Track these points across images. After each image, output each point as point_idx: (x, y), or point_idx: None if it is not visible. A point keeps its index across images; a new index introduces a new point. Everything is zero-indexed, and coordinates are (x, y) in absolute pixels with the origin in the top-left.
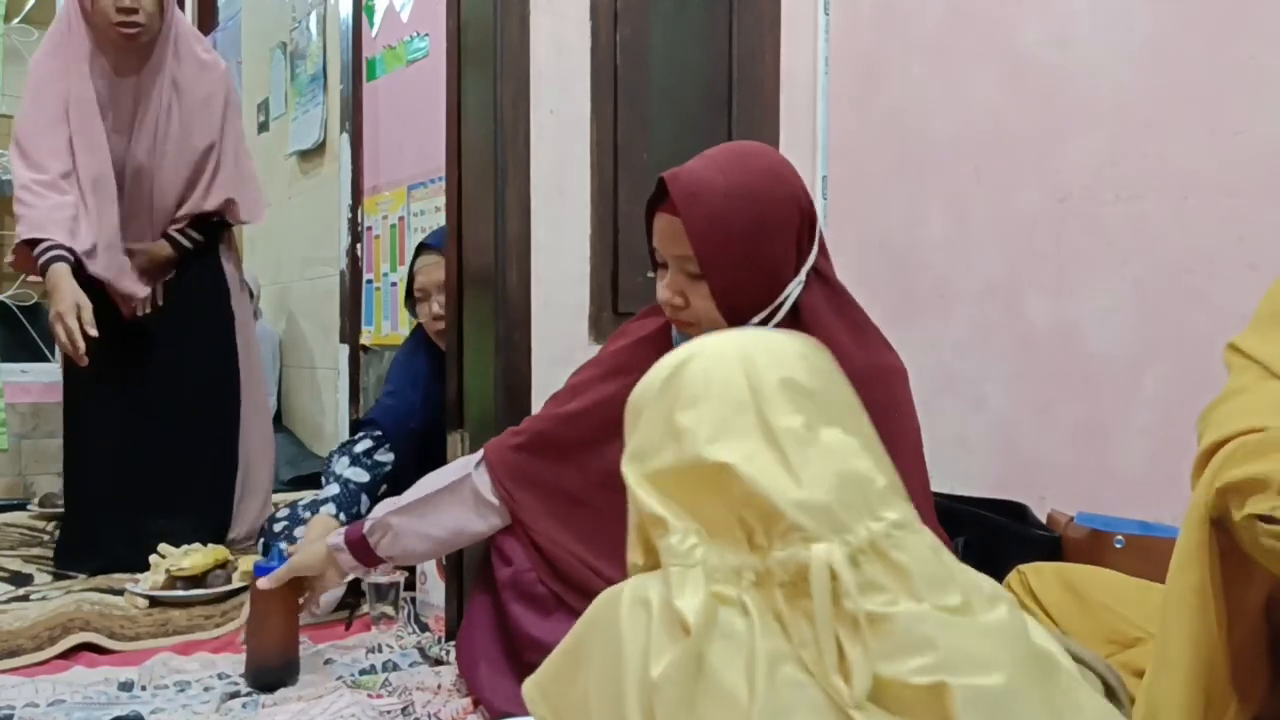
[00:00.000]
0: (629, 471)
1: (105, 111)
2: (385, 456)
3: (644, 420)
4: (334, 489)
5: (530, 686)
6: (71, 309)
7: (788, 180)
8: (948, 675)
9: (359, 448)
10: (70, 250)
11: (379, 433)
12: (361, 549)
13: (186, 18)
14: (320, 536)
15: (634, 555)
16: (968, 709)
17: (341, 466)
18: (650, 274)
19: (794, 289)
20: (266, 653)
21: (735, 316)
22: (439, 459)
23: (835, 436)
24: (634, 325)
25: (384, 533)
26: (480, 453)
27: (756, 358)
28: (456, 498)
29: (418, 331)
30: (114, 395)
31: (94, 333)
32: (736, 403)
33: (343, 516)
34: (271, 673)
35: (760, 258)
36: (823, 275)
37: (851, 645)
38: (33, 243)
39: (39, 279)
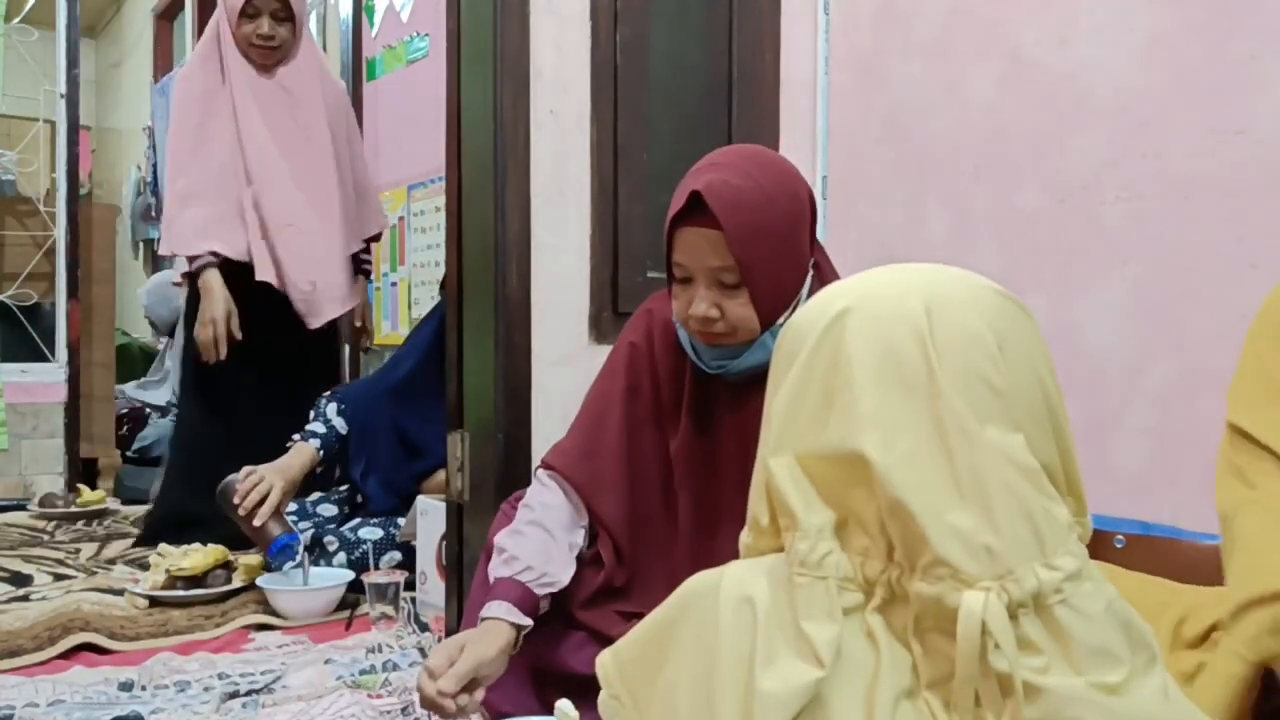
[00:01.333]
0: (768, 438)
1: None
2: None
3: (794, 376)
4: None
5: (608, 661)
6: (224, 316)
7: (798, 176)
8: None
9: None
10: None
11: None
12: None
13: (190, 21)
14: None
15: (752, 528)
16: None
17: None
18: (650, 274)
19: (806, 286)
20: None
21: (768, 320)
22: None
23: (1017, 450)
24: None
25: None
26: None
27: (938, 329)
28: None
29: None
30: (238, 384)
31: (239, 337)
32: (904, 383)
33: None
34: None
35: (793, 256)
36: (820, 268)
37: (992, 707)
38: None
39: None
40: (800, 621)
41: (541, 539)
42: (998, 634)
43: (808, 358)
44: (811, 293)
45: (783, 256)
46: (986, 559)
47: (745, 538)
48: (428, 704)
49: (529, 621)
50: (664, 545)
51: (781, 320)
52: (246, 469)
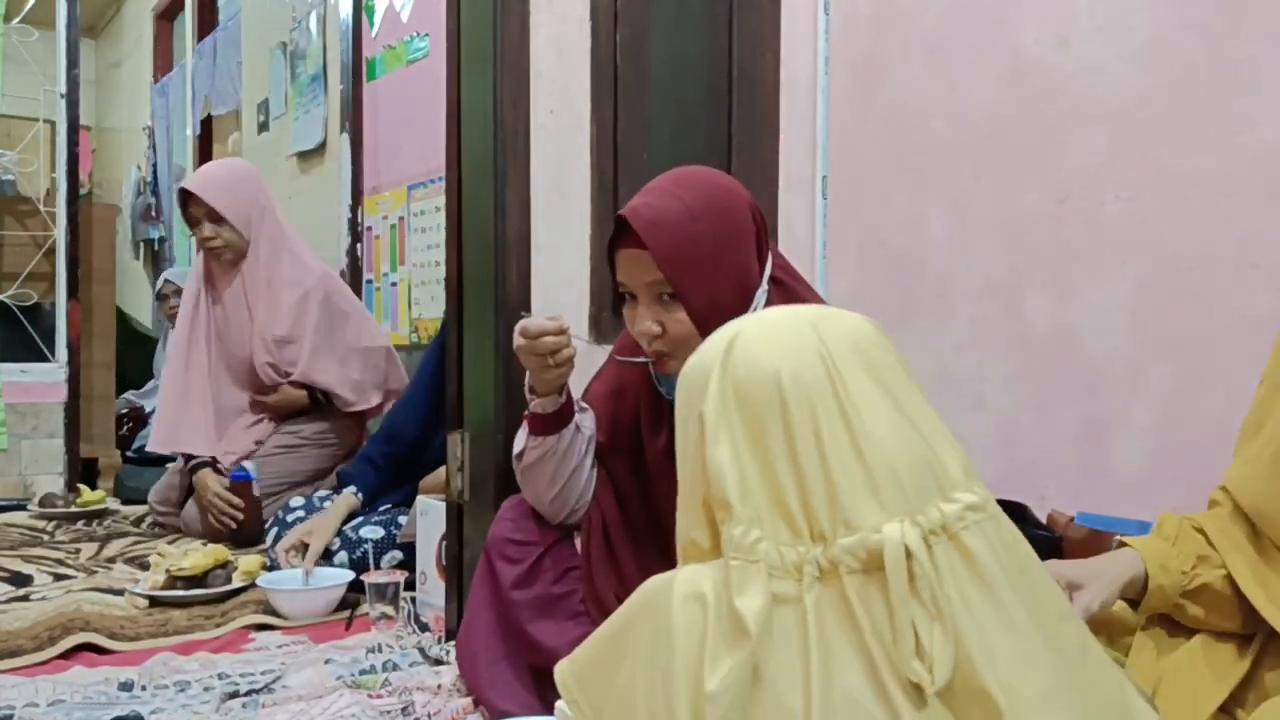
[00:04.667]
0: (700, 442)
1: None
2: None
3: (714, 382)
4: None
5: (565, 670)
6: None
7: (738, 191)
8: (993, 684)
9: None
10: None
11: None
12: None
13: (190, 21)
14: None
15: (696, 532)
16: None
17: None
18: None
19: (760, 298)
20: None
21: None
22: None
23: (904, 406)
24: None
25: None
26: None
27: (822, 323)
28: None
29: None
30: None
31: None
32: (809, 369)
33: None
34: None
35: (729, 270)
36: (780, 282)
37: (929, 628)
38: None
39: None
40: (734, 600)
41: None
42: (918, 554)
43: (718, 372)
44: (770, 304)
45: (717, 271)
46: (894, 501)
47: (694, 533)
48: (538, 332)
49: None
50: (647, 540)
51: None
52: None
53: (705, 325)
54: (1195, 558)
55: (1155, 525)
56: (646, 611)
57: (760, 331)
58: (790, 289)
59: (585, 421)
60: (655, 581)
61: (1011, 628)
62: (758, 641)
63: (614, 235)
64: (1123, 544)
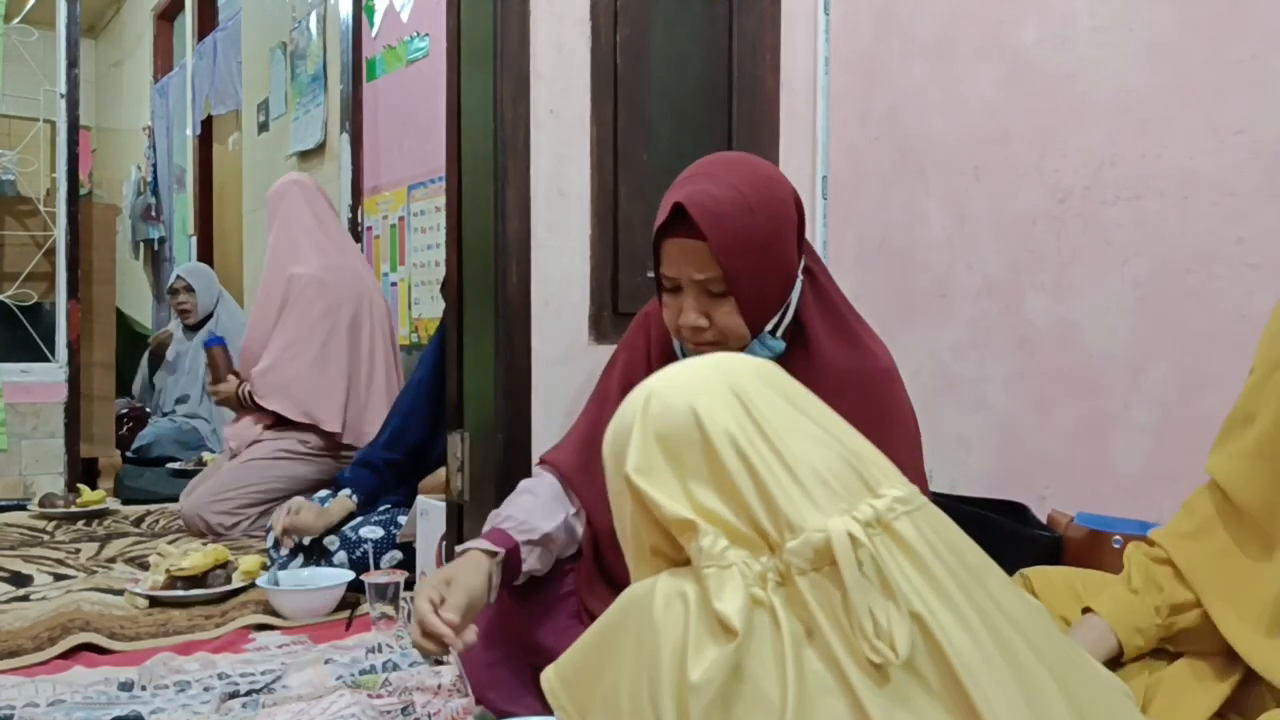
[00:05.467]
0: (640, 483)
1: None
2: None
3: (635, 439)
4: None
5: (551, 676)
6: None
7: (784, 182)
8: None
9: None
10: None
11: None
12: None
13: (190, 21)
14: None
15: (640, 565)
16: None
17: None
18: (651, 274)
19: (796, 290)
20: None
21: (757, 327)
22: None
23: (820, 422)
24: (630, 341)
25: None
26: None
27: (725, 363)
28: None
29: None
30: None
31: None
32: (720, 400)
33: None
34: None
35: (777, 262)
36: (811, 273)
37: (885, 608)
38: None
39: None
40: (714, 604)
41: (526, 499)
42: (864, 540)
43: (639, 424)
44: (803, 299)
45: (767, 264)
46: (828, 502)
47: (639, 574)
48: (429, 634)
49: (499, 548)
50: None
51: (770, 326)
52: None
53: (754, 319)
54: (1169, 607)
55: (1125, 564)
56: (630, 614)
57: (671, 382)
58: (819, 281)
59: (533, 559)
60: (638, 587)
61: (950, 603)
62: (744, 637)
63: (666, 222)
64: (1087, 609)
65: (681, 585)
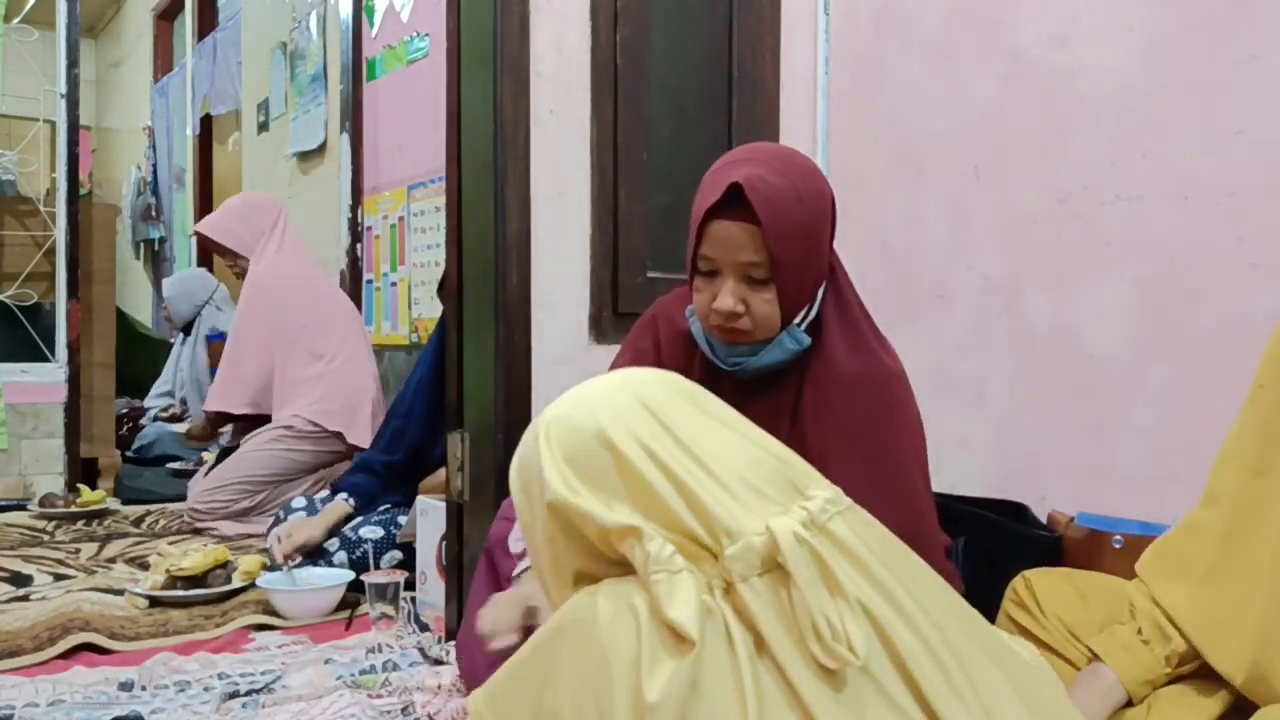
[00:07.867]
0: (572, 500)
1: None
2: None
3: (547, 468)
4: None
5: (479, 699)
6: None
7: (824, 178)
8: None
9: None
10: None
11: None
12: None
13: (190, 21)
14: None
15: (562, 593)
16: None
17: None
18: (651, 274)
19: (822, 290)
20: None
21: (788, 319)
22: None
23: (737, 428)
24: (637, 338)
25: None
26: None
27: (629, 377)
28: None
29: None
30: None
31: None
32: (629, 412)
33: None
34: None
35: (819, 257)
36: (834, 273)
37: (837, 608)
38: None
39: None
40: (665, 613)
41: None
42: (808, 538)
43: (545, 451)
44: (825, 300)
45: (810, 255)
46: (760, 506)
47: (560, 595)
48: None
49: None
50: None
51: (798, 321)
52: (288, 524)
53: (789, 310)
54: (1178, 656)
55: (1130, 603)
56: (570, 631)
57: (569, 406)
58: (840, 282)
59: None
60: (577, 600)
61: (893, 600)
62: (700, 647)
63: (719, 202)
64: (1094, 657)
65: (629, 597)
